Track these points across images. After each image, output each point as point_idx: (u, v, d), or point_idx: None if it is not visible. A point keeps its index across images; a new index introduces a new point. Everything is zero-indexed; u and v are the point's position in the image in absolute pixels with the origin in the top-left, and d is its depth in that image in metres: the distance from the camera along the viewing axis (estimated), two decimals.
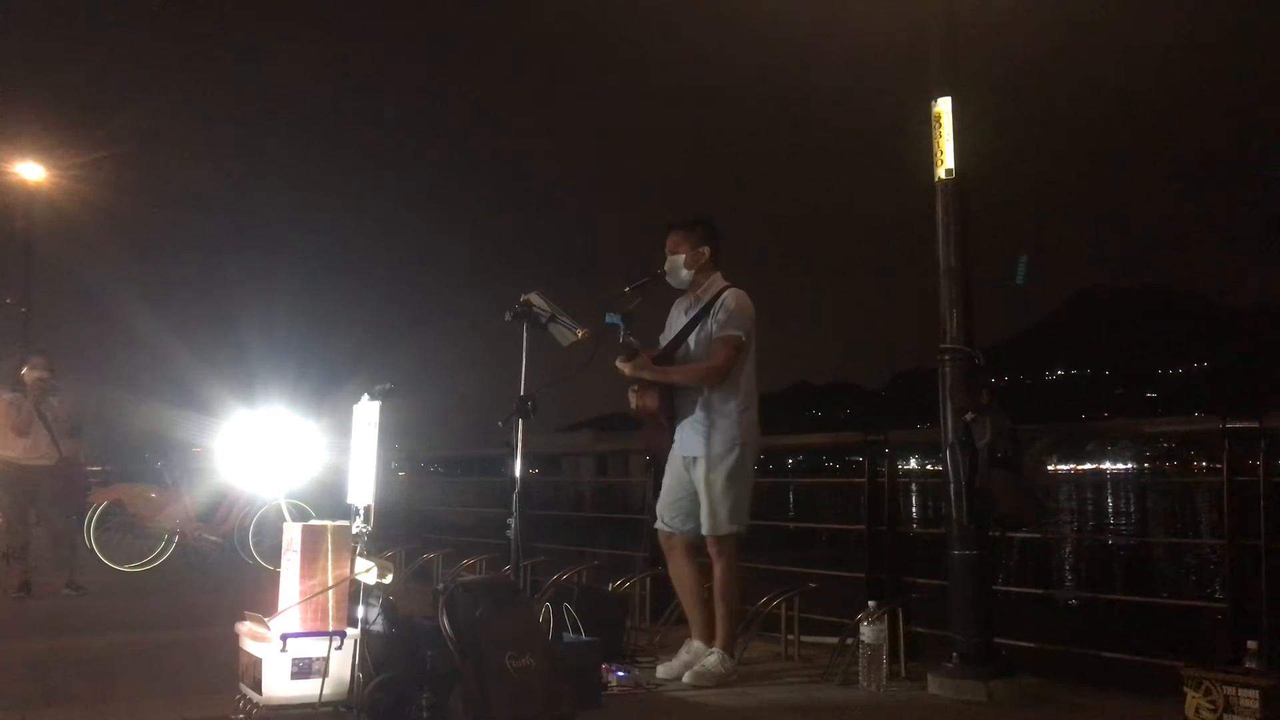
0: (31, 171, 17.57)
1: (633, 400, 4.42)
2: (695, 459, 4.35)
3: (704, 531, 4.31)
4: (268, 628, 3.41)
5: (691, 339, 4.41)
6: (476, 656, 3.14)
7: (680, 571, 4.45)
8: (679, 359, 4.44)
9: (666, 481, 4.52)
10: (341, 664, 3.38)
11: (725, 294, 4.38)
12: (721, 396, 4.32)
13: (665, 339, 4.56)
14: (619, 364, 4.30)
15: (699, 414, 4.34)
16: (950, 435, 4.12)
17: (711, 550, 4.33)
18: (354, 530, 3.58)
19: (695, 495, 4.36)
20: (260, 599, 3.67)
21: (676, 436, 4.43)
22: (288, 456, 3.99)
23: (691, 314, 4.44)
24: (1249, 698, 3.22)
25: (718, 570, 4.32)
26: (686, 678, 4.21)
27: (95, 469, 12.35)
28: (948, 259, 4.23)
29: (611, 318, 4.20)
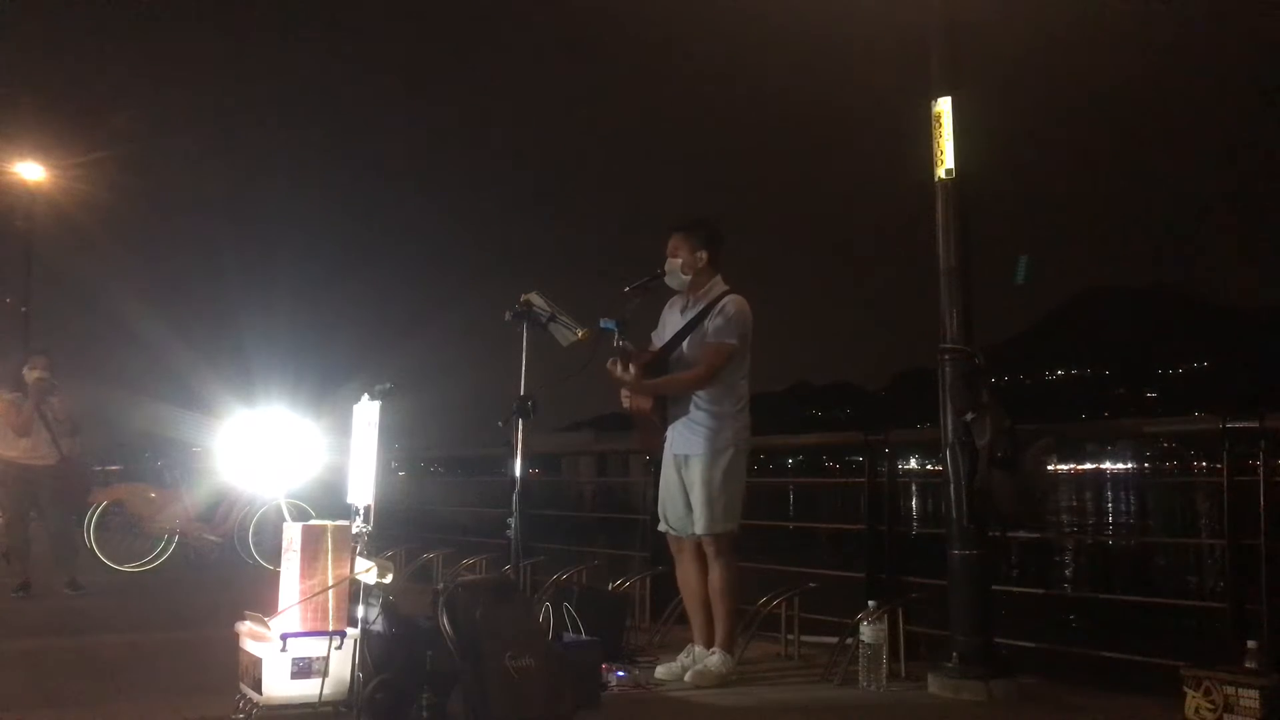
0: (31, 171, 17.57)
1: (626, 401, 4.42)
2: (688, 458, 4.35)
3: (698, 530, 4.31)
4: (268, 627, 3.42)
5: (686, 343, 4.41)
6: (476, 656, 3.14)
7: (687, 575, 4.44)
8: (673, 361, 4.43)
9: (662, 482, 4.52)
10: (341, 664, 3.38)
11: (725, 299, 4.37)
12: (716, 397, 4.32)
13: (658, 338, 4.56)
14: (609, 366, 4.29)
15: (693, 414, 4.34)
16: (950, 435, 4.12)
17: (708, 550, 4.33)
18: (354, 530, 3.58)
19: (688, 495, 4.36)
20: (260, 599, 3.67)
21: (669, 435, 4.43)
22: (288, 456, 3.99)
23: (689, 316, 4.44)
24: (1249, 698, 3.22)
25: (715, 570, 4.32)
26: (687, 678, 4.21)
27: (102, 469, 12.34)
28: (948, 259, 4.23)
29: (606, 323, 4.20)
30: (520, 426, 3.94)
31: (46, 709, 3.73)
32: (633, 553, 6.38)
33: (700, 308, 4.41)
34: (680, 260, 4.42)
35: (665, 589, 5.29)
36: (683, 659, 4.34)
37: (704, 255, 4.44)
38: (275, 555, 4.45)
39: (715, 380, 4.31)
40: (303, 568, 3.47)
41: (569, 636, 4.07)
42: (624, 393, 4.40)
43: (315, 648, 3.36)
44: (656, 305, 4.63)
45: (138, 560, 8.96)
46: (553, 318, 4.00)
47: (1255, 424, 3.75)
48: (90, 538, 8.75)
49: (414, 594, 4.53)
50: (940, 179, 4.25)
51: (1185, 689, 3.40)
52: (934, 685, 4.07)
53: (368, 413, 3.70)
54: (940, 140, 4.25)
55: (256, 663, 3.35)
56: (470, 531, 8.73)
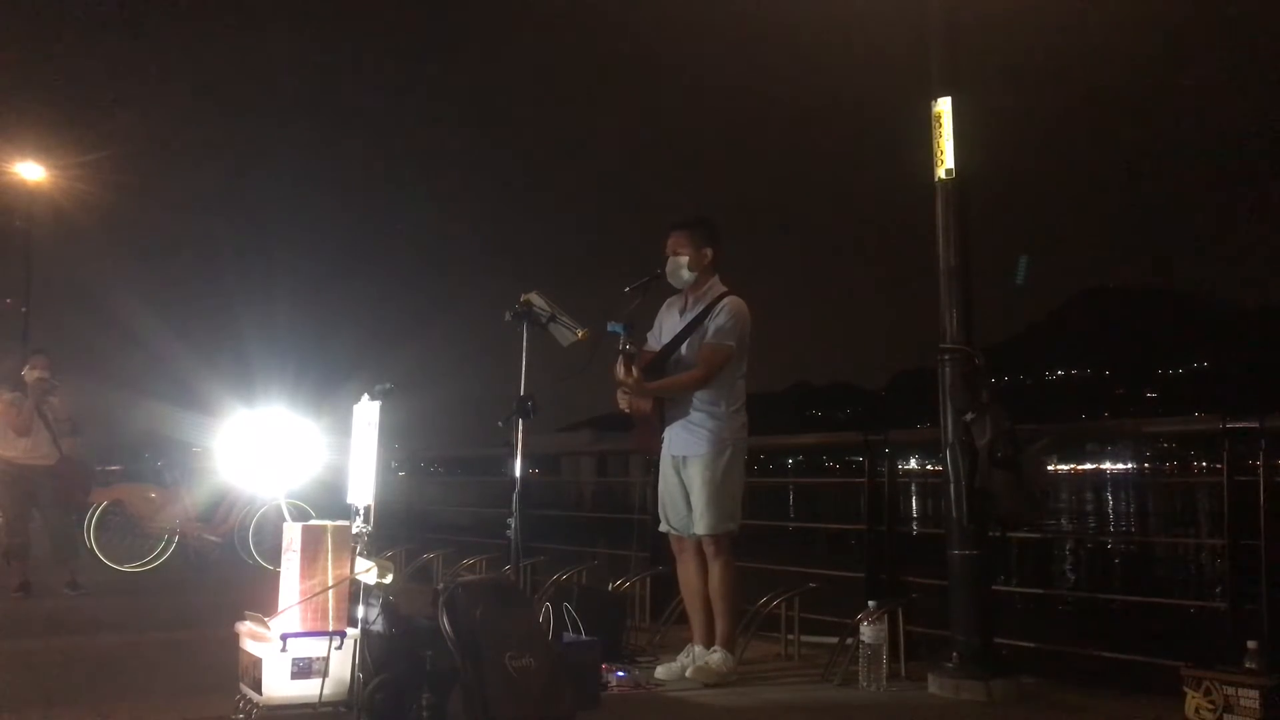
0: (31, 171, 17.59)
1: (623, 402, 4.43)
2: (685, 459, 4.36)
3: (699, 531, 4.31)
4: (268, 628, 3.42)
5: (685, 346, 4.41)
6: (476, 656, 3.14)
7: (689, 574, 4.45)
8: (671, 363, 4.43)
9: (660, 483, 4.53)
10: (341, 664, 3.38)
11: (724, 301, 4.37)
12: (713, 398, 4.33)
13: (655, 338, 4.56)
14: (615, 368, 4.30)
15: (691, 415, 4.35)
16: (950, 435, 4.13)
17: (707, 550, 4.34)
18: (354, 530, 3.58)
19: (688, 495, 4.36)
20: (260, 599, 3.67)
21: (666, 436, 4.44)
22: (288, 456, 3.99)
23: (688, 317, 4.44)
24: (1249, 698, 3.22)
25: (714, 570, 4.32)
26: (688, 673, 4.22)
27: (102, 469, 12.35)
28: (948, 259, 4.23)
29: (614, 326, 4.20)
30: (520, 426, 3.94)
31: (46, 709, 3.73)
32: (632, 553, 6.38)
33: (699, 309, 4.41)
34: (685, 258, 4.41)
35: (665, 589, 5.30)
36: (683, 659, 4.34)
37: (709, 253, 4.44)
38: (275, 555, 4.45)
39: (714, 381, 4.32)
40: (303, 568, 3.47)
41: (569, 636, 4.07)
42: (621, 393, 4.40)
43: (315, 648, 3.36)
44: (653, 306, 4.64)
45: (138, 560, 8.95)
46: (553, 318, 4.01)
47: (1255, 424, 3.75)
48: (90, 538, 8.74)
49: (414, 594, 4.54)
50: (940, 179, 4.26)
51: (1185, 689, 3.41)
52: (934, 685, 4.07)
53: (368, 413, 3.70)
54: (940, 140, 4.25)
55: (256, 663, 3.34)
56: (470, 531, 8.73)
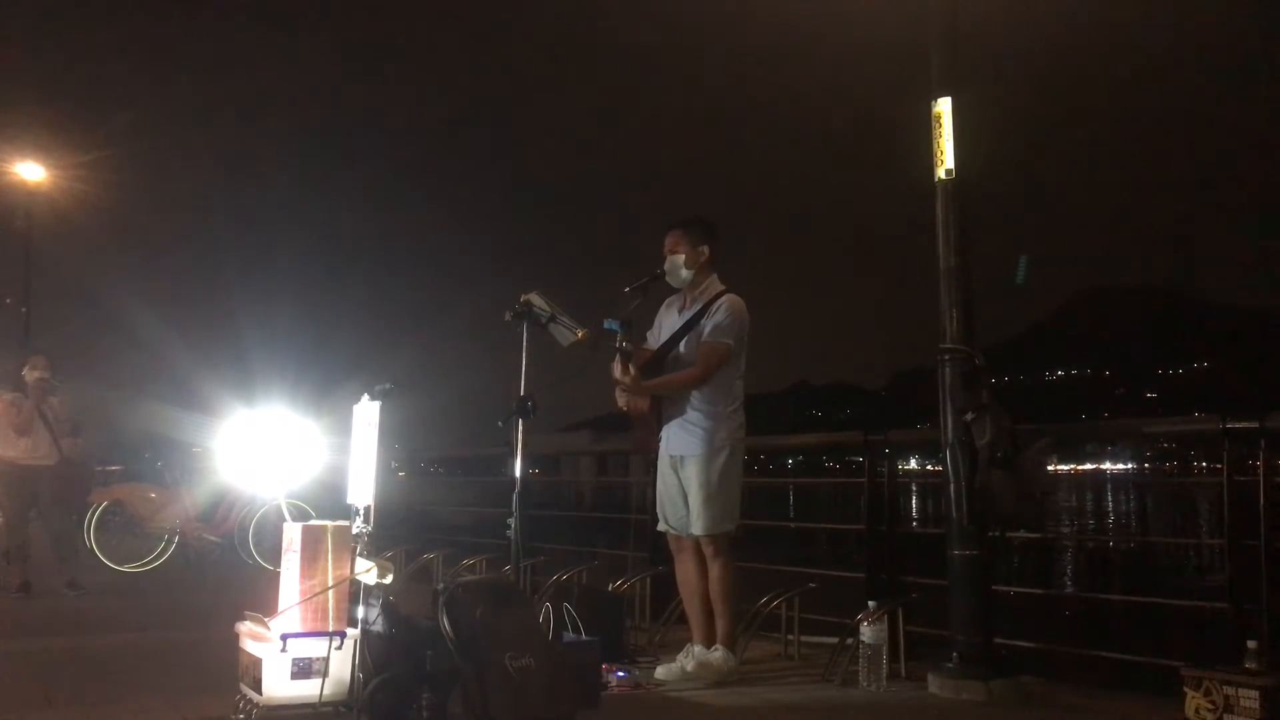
0: (31, 171, 17.59)
1: (620, 401, 4.43)
2: (683, 458, 4.36)
3: (696, 531, 4.32)
4: (268, 628, 3.42)
5: (683, 344, 4.41)
6: (476, 656, 3.14)
7: (688, 573, 4.45)
8: (670, 361, 4.44)
9: (658, 482, 4.53)
10: (341, 664, 3.38)
11: (722, 299, 4.38)
12: (710, 397, 4.33)
13: (654, 337, 4.56)
14: (612, 366, 4.30)
15: (689, 414, 4.36)
16: (950, 435, 4.13)
17: (705, 550, 4.34)
18: (354, 530, 3.58)
19: (686, 494, 4.36)
20: (260, 599, 3.67)
21: (664, 436, 4.44)
22: (288, 456, 3.99)
23: (686, 316, 4.44)
24: (1249, 698, 3.22)
25: (714, 569, 4.33)
26: (689, 667, 4.23)
27: (105, 469, 12.35)
28: (948, 259, 4.24)
29: (610, 323, 4.20)
30: (520, 426, 3.94)
31: (46, 709, 3.74)
32: (632, 553, 6.38)
33: (698, 307, 4.42)
34: (682, 256, 4.43)
35: (665, 589, 5.30)
36: (682, 659, 4.34)
37: (705, 250, 4.46)
38: (275, 555, 4.45)
39: (711, 380, 4.32)
40: (303, 568, 3.47)
41: (569, 636, 4.07)
42: (618, 392, 4.41)
43: (315, 648, 3.36)
44: (652, 306, 4.64)
45: (138, 560, 8.95)
46: (553, 318, 4.01)
47: (1255, 424, 3.75)
48: (90, 538, 8.74)
49: (414, 594, 4.53)
50: (940, 179, 4.26)
51: (1185, 689, 3.40)
52: (934, 685, 4.07)
53: (368, 413, 3.70)
54: (940, 140, 4.25)
55: (256, 663, 3.35)
56: (470, 532, 8.73)
